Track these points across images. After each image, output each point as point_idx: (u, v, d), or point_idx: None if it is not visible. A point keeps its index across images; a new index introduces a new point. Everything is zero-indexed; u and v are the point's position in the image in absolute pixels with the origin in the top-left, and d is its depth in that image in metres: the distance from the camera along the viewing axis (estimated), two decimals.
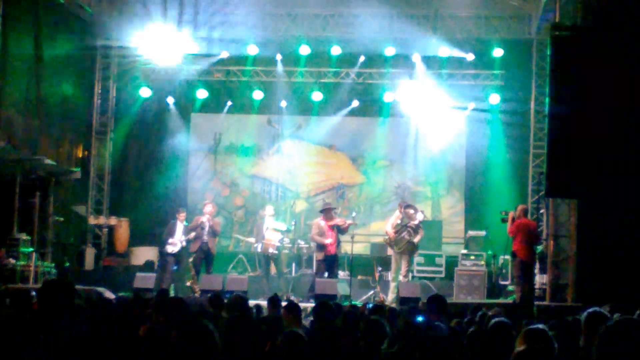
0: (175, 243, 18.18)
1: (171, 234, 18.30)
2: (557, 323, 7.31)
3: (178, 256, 18.30)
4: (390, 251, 18.15)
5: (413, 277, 18.12)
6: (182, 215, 18.49)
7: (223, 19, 21.08)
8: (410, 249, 17.34)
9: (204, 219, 18.01)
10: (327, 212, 17.60)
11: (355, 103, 21.99)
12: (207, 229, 17.95)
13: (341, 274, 18.50)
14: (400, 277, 17.12)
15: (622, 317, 3.24)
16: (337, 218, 17.68)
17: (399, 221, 17.41)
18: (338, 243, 17.49)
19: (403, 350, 5.70)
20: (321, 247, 17.35)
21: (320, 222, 17.45)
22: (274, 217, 19.34)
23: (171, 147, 22.26)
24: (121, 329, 6.76)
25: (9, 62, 17.75)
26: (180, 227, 18.29)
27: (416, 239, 17.31)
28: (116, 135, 22.24)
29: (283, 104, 22.15)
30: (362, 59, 21.23)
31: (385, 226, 17.97)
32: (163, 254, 18.52)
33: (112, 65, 22.18)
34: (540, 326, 5.94)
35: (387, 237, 17.62)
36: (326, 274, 17.10)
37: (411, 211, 17.49)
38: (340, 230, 17.41)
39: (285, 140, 22.63)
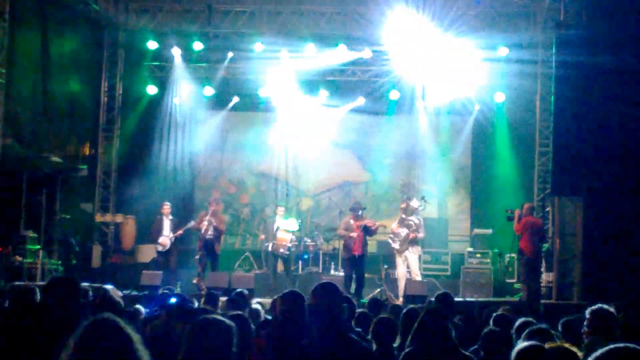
0: (165, 243, 18.09)
1: (159, 231, 18.23)
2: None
3: (169, 254, 18.18)
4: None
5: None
6: (166, 209, 18.31)
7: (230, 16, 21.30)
8: (409, 245, 17.39)
9: (206, 223, 17.97)
10: (355, 211, 17.41)
11: (361, 100, 22.04)
12: (211, 227, 17.95)
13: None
14: (415, 276, 17.17)
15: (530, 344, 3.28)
16: (367, 219, 17.51)
17: (402, 216, 17.46)
18: (364, 244, 17.22)
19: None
20: (347, 246, 17.23)
21: (350, 220, 17.25)
22: (283, 216, 19.39)
23: (177, 144, 22.32)
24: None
25: (16, 59, 17.76)
26: (166, 222, 18.17)
27: (419, 235, 17.40)
28: (123, 132, 22.28)
29: (289, 102, 22.21)
30: (368, 56, 21.23)
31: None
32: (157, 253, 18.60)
33: (119, 63, 22.24)
34: (543, 325, 6.00)
35: (391, 236, 17.54)
36: (353, 275, 17.10)
37: (411, 203, 17.60)
38: (368, 231, 17.28)
39: (291, 138, 22.68)
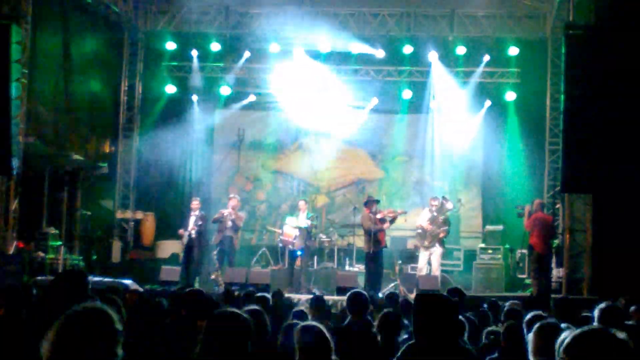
0: (184, 235, 18.40)
1: (185, 225, 18.55)
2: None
3: (188, 247, 18.45)
4: (410, 245, 18.44)
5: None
6: (194, 204, 18.36)
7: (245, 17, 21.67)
8: (437, 243, 17.75)
9: (227, 212, 18.26)
10: (370, 204, 17.58)
11: (374, 100, 22.32)
12: (229, 223, 18.23)
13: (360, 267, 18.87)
14: (435, 271, 17.52)
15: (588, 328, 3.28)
16: (385, 210, 17.77)
17: (434, 214, 17.82)
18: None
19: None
20: (376, 238, 17.23)
21: (369, 214, 17.37)
22: (289, 214, 19.71)
23: (196, 142, 22.73)
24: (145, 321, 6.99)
25: (38, 59, 18.00)
26: (192, 217, 18.47)
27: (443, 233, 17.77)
28: (142, 131, 22.54)
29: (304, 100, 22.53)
30: (381, 55, 21.54)
31: (417, 222, 18.18)
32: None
33: (138, 63, 22.59)
34: (552, 320, 6.23)
35: (420, 232, 17.90)
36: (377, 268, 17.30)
37: (446, 203, 17.96)
38: (393, 220, 17.58)
39: (306, 137, 23.03)
